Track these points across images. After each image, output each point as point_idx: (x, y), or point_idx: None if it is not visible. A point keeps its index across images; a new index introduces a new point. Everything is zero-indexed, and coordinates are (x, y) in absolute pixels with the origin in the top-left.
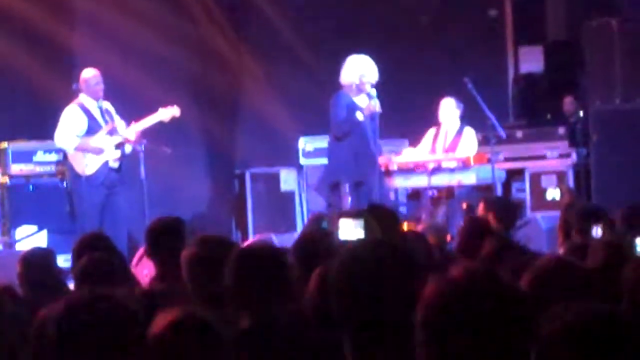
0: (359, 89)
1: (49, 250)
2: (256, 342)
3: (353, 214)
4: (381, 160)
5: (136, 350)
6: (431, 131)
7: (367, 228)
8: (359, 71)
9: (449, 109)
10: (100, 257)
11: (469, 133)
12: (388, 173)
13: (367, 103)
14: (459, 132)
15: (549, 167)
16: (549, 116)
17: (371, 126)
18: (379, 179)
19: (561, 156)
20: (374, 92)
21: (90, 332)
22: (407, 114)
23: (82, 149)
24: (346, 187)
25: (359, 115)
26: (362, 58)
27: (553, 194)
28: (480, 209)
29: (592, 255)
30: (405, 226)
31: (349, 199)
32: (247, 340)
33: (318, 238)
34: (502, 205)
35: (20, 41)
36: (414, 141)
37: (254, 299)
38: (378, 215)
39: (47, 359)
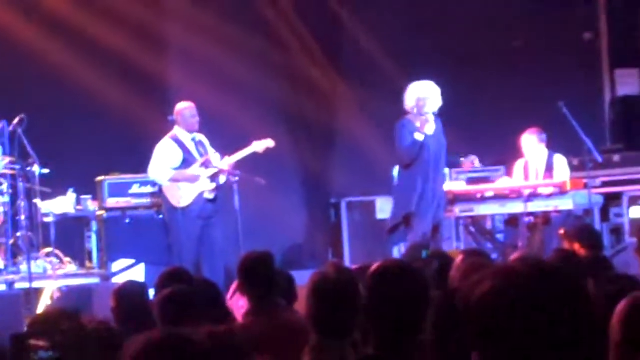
0: (419, 112)
1: (142, 284)
2: None
3: None
4: (474, 187)
5: None
6: (520, 162)
7: None
8: (416, 95)
9: (531, 144)
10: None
11: (560, 160)
12: (484, 200)
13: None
14: (549, 161)
15: None
16: None
17: (436, 152)
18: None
19: None
20: (431, 116)
21: None
22: (501, 141)
23: (176, 180)
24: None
25: (418, 136)
26: (423, 83)
27: (636, 212)
28: (565, 242)
29: None
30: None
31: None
32: None
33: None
34: (585, 232)
35: (114, 75)
36: (510, 167)
37: (386, 322)
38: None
39: None
